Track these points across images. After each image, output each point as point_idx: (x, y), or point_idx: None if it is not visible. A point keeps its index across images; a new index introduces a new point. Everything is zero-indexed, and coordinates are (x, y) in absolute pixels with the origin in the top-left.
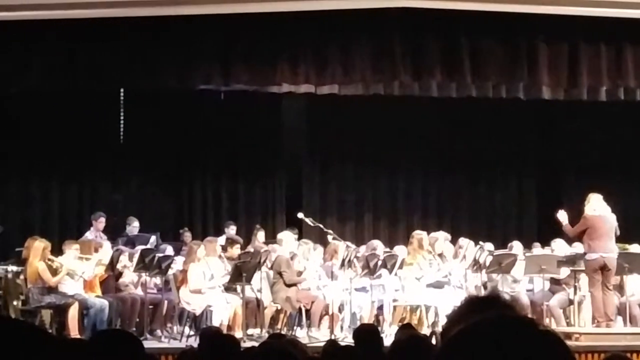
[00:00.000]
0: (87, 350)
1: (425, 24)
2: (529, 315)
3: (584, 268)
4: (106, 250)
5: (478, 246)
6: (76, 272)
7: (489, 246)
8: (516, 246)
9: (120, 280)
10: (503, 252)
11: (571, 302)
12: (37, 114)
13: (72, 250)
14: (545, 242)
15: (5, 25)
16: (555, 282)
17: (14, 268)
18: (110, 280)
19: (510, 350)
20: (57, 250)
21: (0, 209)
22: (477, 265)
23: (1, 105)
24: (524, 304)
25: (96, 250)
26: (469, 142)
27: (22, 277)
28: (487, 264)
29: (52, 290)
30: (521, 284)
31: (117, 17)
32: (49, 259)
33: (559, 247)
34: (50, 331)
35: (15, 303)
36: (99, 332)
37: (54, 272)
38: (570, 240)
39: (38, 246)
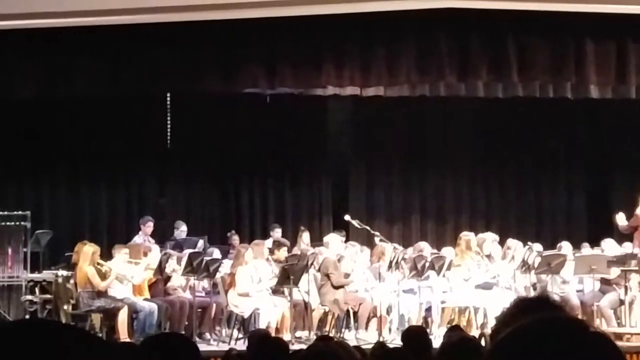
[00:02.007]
0: (142, 353)
1: (470, 24)
2: (579, 317)
3: (634, 268)
4: (155, 254)
5: (527, 247)
6: (125, 276)
7: (538, 247)
8: (565, 246)
9: (169, 283)
10: (552, 253)
11: (622, 302)
12: (85, 119)
13: (121, 254)
14: (594, 242)
15: (51, 31)
16: (605, 282)
17: (64, 272)
18: (159, 284)
19: (560, 352)
20: (106, 255)
21: (50, 214)
22: (525, 266)
23: (49, 111)
24: (574, 305)
25: (145, 254)
26: (516, 142)
27: (72, 281)
28: (536, 264)
29: (102, 294)
30: (571, 284)
31: (162, 22)
32: (98, 263)
33: (609, 247)
34: (100, 335)
35: (65, 307)
36: (154, 336)
37: (103, 276)
38: (620, 240)
39: (87, 251)
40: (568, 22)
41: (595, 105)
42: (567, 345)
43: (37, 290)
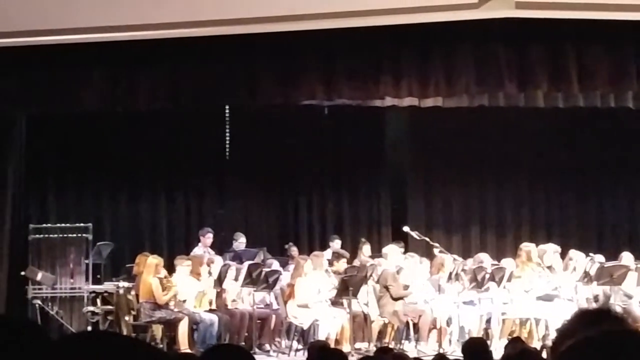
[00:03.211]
0: None
1: (530, 33)
2: None
3: None
4: (218, 265)
5: (588, 258)
6: (185, 292)
7: (600, 258)
8: (626, 257)
9: (228, 295)
10: (614, 264)
11: None
12: (145, 132)
13: (183, 266)
14: None
15: (110, 46)
16: None
17: (125, 284)
18: (219, 296)
19: None
20: (166, 266)
21: (110, 226)
22: (587, 278)
23: (109, 124)
24: (636, 316)
25: (208, 265)
26: (576, 152)
27: (133, 292)
28: (598, 276)
29: (163, 305)
30: (634, 297)
31: (220, 35)
32: (165, 277)
33: None
34: (160, 346)
35: (127, 318)
36: (213, 347)
37: (164, 289)
38: None
39: (151, 262)
40: (628, 31)
41: None
42: (630, 358)
43: (98, 301)
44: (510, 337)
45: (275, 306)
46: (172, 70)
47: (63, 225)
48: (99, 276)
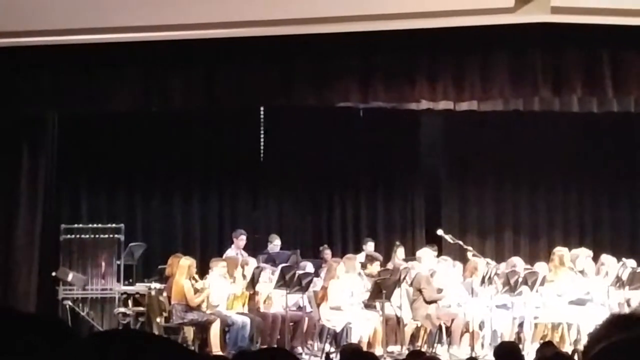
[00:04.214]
0: None
1: (565, 38)
2: None
3: None
4: (251, 267)
5: (620, 262)
6: (219, 293)
7: (632, 262)
8: None
9: (261, 297)
10: None
11: None
12: (179, 132)
13: (219, 267)
14: None
15: (145, 45)
16: None
17: (157, 285)
18: (251, 298)
19: None
20: (200, 268)
21: (143, 227)
22: (619, 282)
23: (143, 124)
24: None
25: (242, 267)
26: (609, 157)
27: (164, 294)
28: (630, 280)
29: (195, 307)
30: None
31: (255, 36)
32: (194, 278)
33: None
34: (192, 348)
35: (158, 320)
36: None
37: (197, 291)
38: None
39: (184, 264)
40: None
41: None
42: None
43: (130, 302)
44: (542, 341)
45: (308, 309)
46: (207, 70)
47: (95, 225)
48: (130, 280)
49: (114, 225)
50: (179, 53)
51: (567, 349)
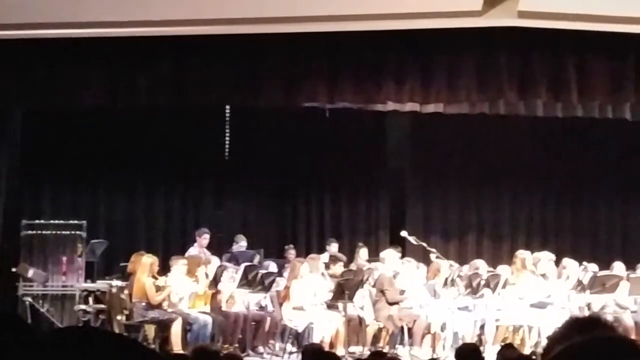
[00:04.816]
0: None
1: (531, 42)
2: (632, 338)
3: None
4: (214, 266)
5: (582, 267)
6: (180, 293)
7: (593, 267)
8: (617, 267)
9: (223, 296)
10: (607, 273)
11: None
12: (144, 129)
13: (179, 265)
14: None
15: (112, 42)
16: None
17: (119, 283)
18: (213, 297)
19: None
20: (162, 266)
21: (105, 224)
22: (580, 286)
23: (107, 121)
24: (627, 325)
25: (205, 266)
26: (573, 162)
27: (126, 291)
28: (591, 284)
29: (156, 305)
30: (627, 306)
31: (224, 34)
32: (154, 276)
33: None
34: (153, 346)
35: (119, 317)
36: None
37: (158, 289)
38: None
39: (146, 262)
40: (628, 43)
41: None
42: None
43: (90, 300)
44: (503, 343)
45: (270, 308)
46: (174, 68)
47: (57, 222)
48: (92, 277)
49: (76, 221)
50: (146, 50)
51: (528, 351)
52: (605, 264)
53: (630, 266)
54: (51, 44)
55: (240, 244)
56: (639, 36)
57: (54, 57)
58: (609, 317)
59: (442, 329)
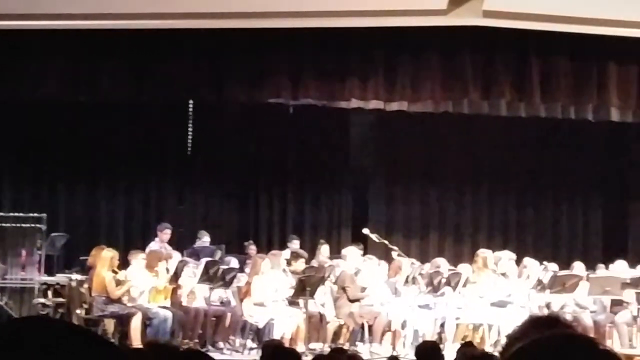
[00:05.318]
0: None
1: (496, 43)
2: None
3: None
4: (175, 261)
5: (542, 266)
6: (139, 287)
7: (553, 266)
8: (577, 267)
9: (184, 291)
10: (567, 273)
11: (635, 320)
12: (106, 123)
13: (138, 260)
14: (609, 263)
15: (77, 34)
16: (617, 302)
17: (78, 276)
18: (174, 292)
19: None
20: (122, 261)
21: (66, 217)
22: (540, 285)
23: (70, 114)
24: (586, 325)
25: (166, 260)
26: (536, 162)
27: (85, 285)
28: (551, 284)
29: (116, 300)
30: (585, 306)
31: (186, 29)
32: (114, 271)
33: (620, 269)
34: (112, 340)
35: (78, 311)
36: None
37: (118, 283)
38: (634, 263)
39: (106, 256)
40: (592, 44)
41: (616, 128)
42: None
43: (50, 293)
44: (463, 341)
45: (231, 304)
46: (137, 61)
47: (16, 214)
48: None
49: (36, 214)
50: (109, 44)
51: (488, 349)
52: (565, 264)
53: (590, 266)
54: (11, 36)
55: (204, 239)
56: (603, 38)
57: (15, 49)
58: (568, 317)
59: (403, 326)
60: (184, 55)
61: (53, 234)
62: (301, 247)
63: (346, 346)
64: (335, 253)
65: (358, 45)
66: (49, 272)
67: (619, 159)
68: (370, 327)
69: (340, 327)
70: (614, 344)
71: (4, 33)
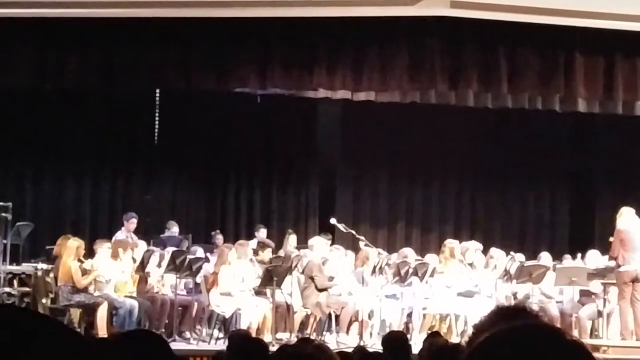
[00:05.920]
0: (115, 350)
1: (463, 33)
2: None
3: (614, 281)
4: (141, 250)
5: (509, 256)
6: (105, 276)
7: (520, 257)
8: (544, 257)
9: (150, 281)
10: (534, 263)
11: (600, 314)
12: (72, 112)
13: (103, 249)
14: (576, 254)
15: (43, 21)
16: (585, 293)
17: (44, 266)
18: (140, 281)
19: (535, 358)
20: (88, 249)
21: (31, 206)
22: (507, 276)
23: (35, 103)
24: (552, 315)
25: (132, 250)
26: (503, 153)
27: (51, 275)
28: (518, 274)
29: (82, 289)
30: (552, 296)
31: (154, 18)
32: (80, 260)
33: (593, 259)
34: (78, 330)
35: (44, 301)
36: (126, 333)
37: (84, 273)
38: (604, 252)
39: (72, 245)
40: (559, 35)
41: (583, 118)
42: (542, 352)
43: (15, 282)
44: (429, 331)
45: (197, 294)
46: (104, 49)
47: None
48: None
49: (1, 203)
50: (76, 31)
51: (454, 339)
52: (532, 254)
53: (557, 257)
54: None
55: (172, 230)
56: (570, 29)
57: None
58: (535, 307)
59: (370, 316)
60: (151, 43)
61: (19, 223)
62: (268, 237)
63: (313, 336)
64: (303, 243)
65: (326, 35)
66: (15, 261)
67: (586, 151)
68: (337, 317)
69: (307, 317)
70: (580, 334)
71: None
